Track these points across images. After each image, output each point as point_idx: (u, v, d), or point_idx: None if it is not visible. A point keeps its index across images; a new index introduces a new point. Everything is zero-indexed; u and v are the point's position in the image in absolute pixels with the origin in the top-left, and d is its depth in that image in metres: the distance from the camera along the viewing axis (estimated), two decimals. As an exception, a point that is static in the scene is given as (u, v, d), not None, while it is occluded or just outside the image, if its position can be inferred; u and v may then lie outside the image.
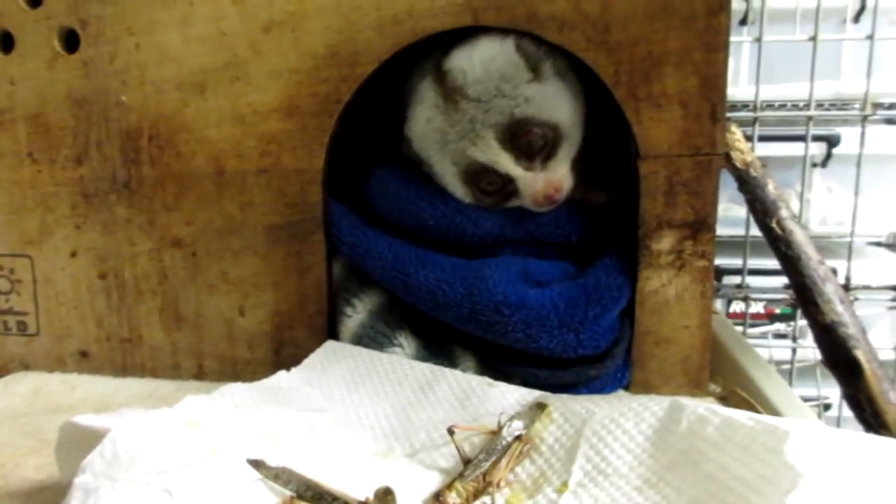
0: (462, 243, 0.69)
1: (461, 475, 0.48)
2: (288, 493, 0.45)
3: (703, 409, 0.44)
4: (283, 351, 0.73)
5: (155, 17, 0.70)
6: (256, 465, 0.45)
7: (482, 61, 0.64)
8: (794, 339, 1.20)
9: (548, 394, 0.56)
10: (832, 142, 1.42)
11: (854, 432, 0.42)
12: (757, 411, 0.53)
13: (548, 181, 0.65)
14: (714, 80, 0.63)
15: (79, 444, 0.45)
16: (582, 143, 0.68)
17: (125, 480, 0.41)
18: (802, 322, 1.07)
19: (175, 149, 0.72)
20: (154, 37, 0.70)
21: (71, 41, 0.72)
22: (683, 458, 0.43)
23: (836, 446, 0.38)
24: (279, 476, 0.45)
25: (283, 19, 0.67)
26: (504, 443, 0.50)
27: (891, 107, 1.45)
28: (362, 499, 0.44)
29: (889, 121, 1.45)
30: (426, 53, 0.67)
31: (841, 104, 1.34)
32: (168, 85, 0.71)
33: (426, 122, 0.68)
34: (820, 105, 1.29)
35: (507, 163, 0.65)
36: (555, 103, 0.65)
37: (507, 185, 0.66)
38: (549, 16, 0.63)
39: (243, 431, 0.49)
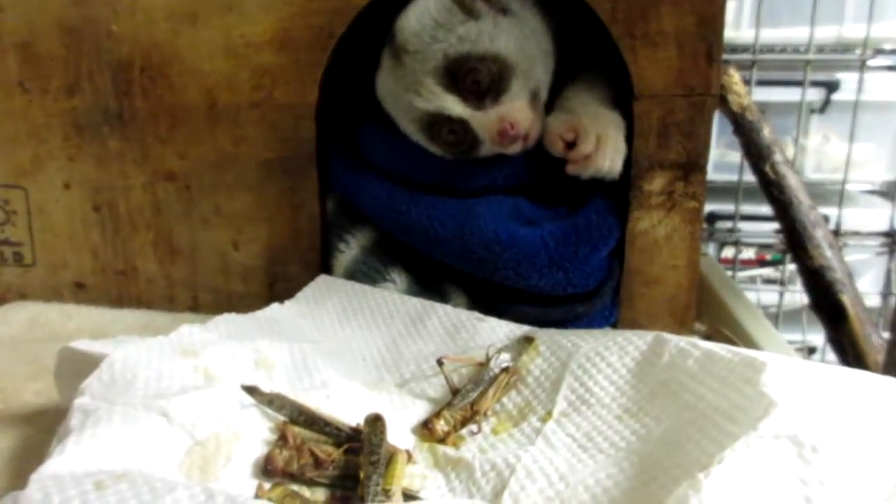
0: (454, 193, 0.69)
1: (449, 404, 0.50)
2: (281, 418, 0.46)
3: (685, 342, 0.46)
4: (276, 285, 0.74)
5: (145, -56, 0.68)
6: (250, 391, 0.46)
7: (416, 14, 0.64)
8: (783, 284, 1.22)
9: (536, 328, 0.57)
10: (832, 87, 1.41)
11: (827, 365, 0.43)
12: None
13: (500, 117, 0.63)
14: (711, 19, 0.62)
15: (77, 368, 0.46)
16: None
17: (123, 403, 0.43)
18: (791, 267, 1.08)
19: (167, 80, 0.71)
20: (145, -35, 0.69)
21: (60, -32, 0.71)
22: (664, 389, 0.44)
23: (810, 377, 0.39)
24: (273, 402, 0.46)
25: (276, -52, 0.66)
26: (491, 374, 0.51)
27: (893, 52, 1.42)
28: (353, 425, 0.46)
29: (891, 67, 1.43)
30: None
31: (842, 49, 1.32)
32: (159, 14, 0.69)
33: (383, 83, 0.68)
34: (821, 50, 1.27)
35: (454, 105, 0.64)
36: (493, 37, 0.63)
37: (466, 133, 0.65)
38: (547, -50, 0.62)
39: (238, 359, 0.50)
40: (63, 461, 0.37)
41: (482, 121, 0.64)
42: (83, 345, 0.48)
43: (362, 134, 0.72)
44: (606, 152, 0.63)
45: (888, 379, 0.40)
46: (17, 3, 0.72)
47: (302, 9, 0.67)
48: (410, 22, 0.64)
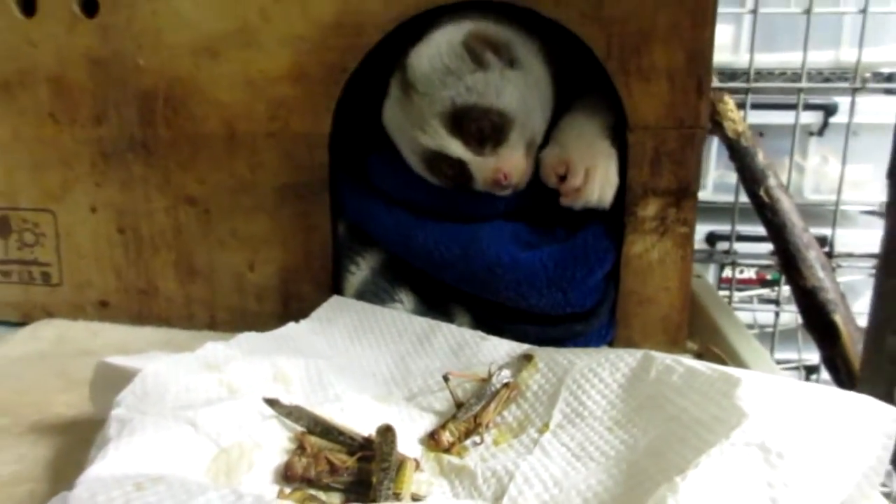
0: (458, 218, 0.72)
1: (454, 417, 0.53)
2: (299, 428, 0.50)
3: (670, 359, 0.50)
4: (290, 304, 0.78)
5: (170, -16, 0.73)
6: (271, 403, 0.50)
7: (429, 56, 0.67)
8: (778, 304, 1.25)
9: (535, 346, 0.61)
10: (829, 111, 1.44)
11: (799, 381, 0.47)
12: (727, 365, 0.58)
13: (496, 167, 0.67)
14: (700, 54, 0.66)
15: (111, 381, 0.50)
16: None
17: (154, 414, 0.47)
18: (787, 288, 1.11)
19: (189, 111, 0.75)
20: (170, 3, 0.73)
21: (90, 5, 0.75)
22: (650, 403, 0.48)
23: (779, 392, 0.43)
24: (291, 413, 0.50)
25: (292, -12, 0.71)
26: (493, 389, 0.55)
27: (890, 77, 1.45)
28: (366, 435, 0.50)
29: (888, 91, 1.46)
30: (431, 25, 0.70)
31: (840, 73, 1.35)
32: (182, 50, 0.74)
33: (390, 112, 0.72)
34: (819, 73, 1.31)
35: (456, 148, 0.68)
36: (499, 91, 0.67)
37: (463, 171, 0.69)
38: (545, -9, 0.66)
39: (258, 374, 0.54)
40: (105, 465, 0.41)
41: (480, 165, 0.68)
42: (118, 360, 0.52)
43: (371, 163, 0.77)
44: (594, 185, 0.67)
45: (849, 393, 0.43)
46: (49, 39, 0.77)
47: (316, 45, 0.71)
48: (422, 62, 0.68)
